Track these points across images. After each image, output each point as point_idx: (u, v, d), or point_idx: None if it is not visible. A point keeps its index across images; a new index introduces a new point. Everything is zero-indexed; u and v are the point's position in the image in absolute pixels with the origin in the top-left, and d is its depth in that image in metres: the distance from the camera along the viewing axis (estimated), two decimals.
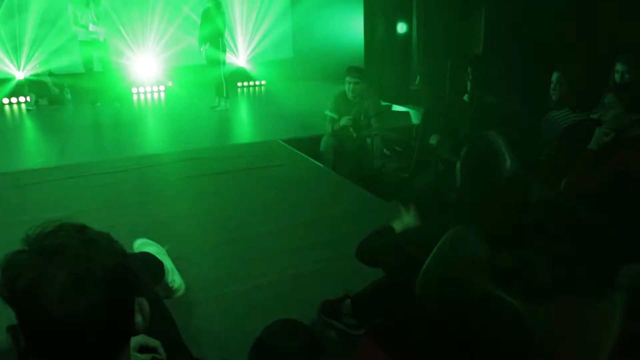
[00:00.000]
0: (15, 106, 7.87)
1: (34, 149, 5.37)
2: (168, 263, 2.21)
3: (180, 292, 2.21)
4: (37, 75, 7.53)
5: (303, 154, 4.64)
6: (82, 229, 0.82)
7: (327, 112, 4.72)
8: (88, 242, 0.78)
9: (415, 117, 6.20)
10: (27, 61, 8.06)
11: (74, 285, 0.73)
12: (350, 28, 9.46)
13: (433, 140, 3.86)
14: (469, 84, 3.89)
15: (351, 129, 4.55)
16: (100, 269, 0.76)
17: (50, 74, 7.56)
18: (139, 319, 0.86)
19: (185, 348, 1.52)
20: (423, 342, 1.46)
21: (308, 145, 5.04)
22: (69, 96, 7.91)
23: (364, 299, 1.85)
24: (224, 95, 6.91)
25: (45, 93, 7.54)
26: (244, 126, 6.63)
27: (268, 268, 2.51)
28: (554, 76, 3.36)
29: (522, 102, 3.80)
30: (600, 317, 1.78)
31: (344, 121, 4.52)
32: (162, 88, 8.96)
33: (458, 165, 1.48)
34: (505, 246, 1.33)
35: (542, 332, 1.33)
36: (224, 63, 6.78)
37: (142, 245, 2.26)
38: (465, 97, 4.12)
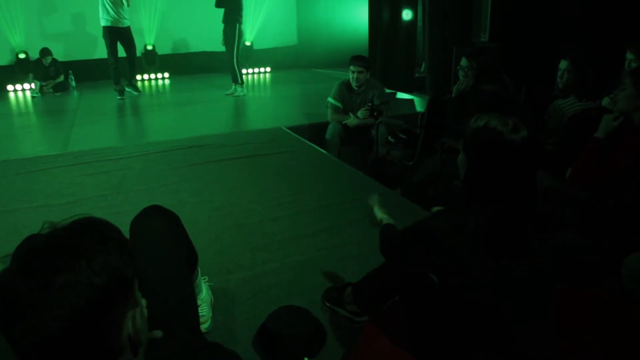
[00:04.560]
0: (20, 93, 7.89)
1: (38, 136, 5.39)
2: (206, 293, 1.98)
3: (204, 327, 1.88)
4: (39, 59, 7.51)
5: (307, 141, 4.63)
6: (76, 234, 0.76)
7: (330, 99, 4.69)
8: (74, 258, 0.72)
9: (420, 105, 6.17)
10: (31, 44, 8.05)
11: (30, 311, 0.69)
12: (355, 14, 9.39)
13: None
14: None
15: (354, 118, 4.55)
16: (66, 302, 0.69)
17: (54, 60, 7.55)
18: (128, 330, 0.80)
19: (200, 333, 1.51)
20: (422, 328, 1.47)
21: (312, 132, 5.03)
22: (73, 83, 7.92)
23: (365, 287, 1.85)
24: (240, 81, 6.90)
25: (49, 79, 7.54)
26: (248, 113, 6.61)
27: (272, 255, 2.51)
28: (563, 64, 3.31)
29: (528, 90, 3.77)
30: (603, 306, 1.78)
31: (361, 114, 4.51)
32: (166, 75, 8.96)
33: (460, 156, 1.47)
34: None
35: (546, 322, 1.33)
36: (237, 48, 6.68)
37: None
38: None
